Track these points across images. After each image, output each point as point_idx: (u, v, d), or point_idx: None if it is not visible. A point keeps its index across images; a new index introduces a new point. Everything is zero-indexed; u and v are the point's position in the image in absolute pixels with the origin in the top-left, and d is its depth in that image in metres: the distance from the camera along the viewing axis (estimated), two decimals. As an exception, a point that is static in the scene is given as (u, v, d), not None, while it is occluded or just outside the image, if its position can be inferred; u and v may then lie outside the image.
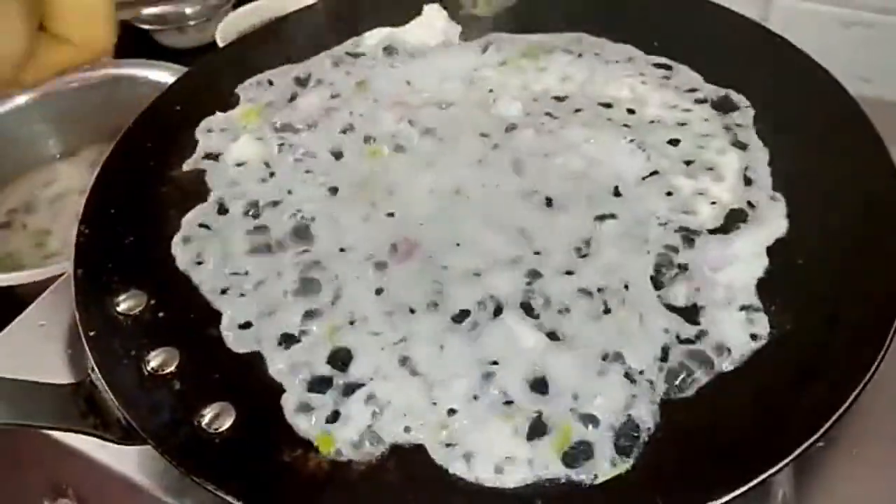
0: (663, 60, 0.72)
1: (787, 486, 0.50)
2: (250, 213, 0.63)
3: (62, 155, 0.98)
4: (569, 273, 0.56)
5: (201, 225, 0.62)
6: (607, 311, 0.53)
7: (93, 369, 0.51)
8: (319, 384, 0.51)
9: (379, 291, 0.56)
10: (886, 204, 0.56)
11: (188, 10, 1.05)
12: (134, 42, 1.04)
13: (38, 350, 0.61)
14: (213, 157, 0.68)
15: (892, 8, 0.75)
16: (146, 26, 1.05)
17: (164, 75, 0.89)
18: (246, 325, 0.54)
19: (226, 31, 0.90)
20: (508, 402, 0.49)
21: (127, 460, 0.54)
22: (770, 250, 0.56)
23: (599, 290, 0.55)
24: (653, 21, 0.74)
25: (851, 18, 0.75)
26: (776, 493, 0.50)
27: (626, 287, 0.55)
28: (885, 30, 0.76)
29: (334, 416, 0.49)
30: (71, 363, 0.59)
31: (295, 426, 0.49)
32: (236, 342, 0.54)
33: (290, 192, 0.64)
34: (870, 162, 0.59)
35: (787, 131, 0.64)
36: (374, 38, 0.77)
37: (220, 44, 0.92)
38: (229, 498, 0.45)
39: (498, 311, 0.54)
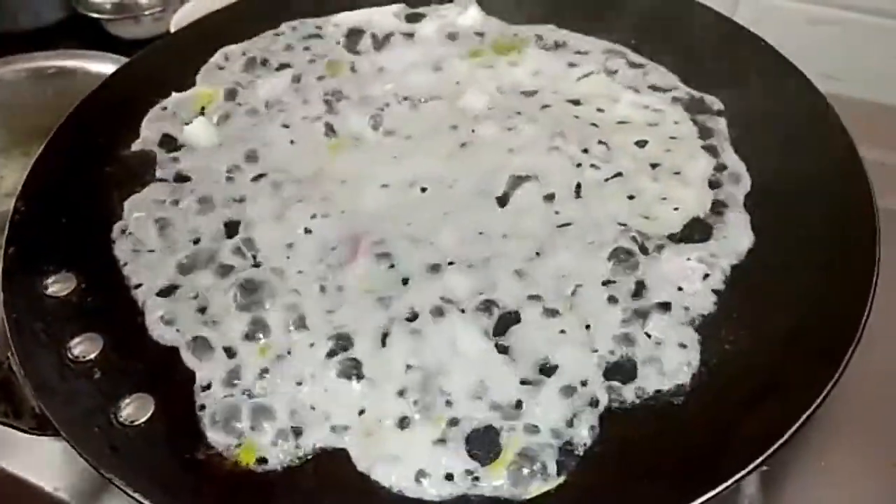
0: (638, 58, 0.69)
1: (756, 496, 0.49)
2: (195, 201, 0.60)
3: (1, 150, 0.90)
4: (519, 275, 0.54)
5: (141, 213, 0.59)
6: (555, 317, 0.51)
7: (12, 352, 0.49)
8: (241, 387, 0.48)
9: (322, 288, 0.53)
10: (855, 221, 0.53)
11: (143, 0, 1.02)
12: (86, 32, 0.98)
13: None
14: (164, 138, 0.65)
15: (857, 5, 0.72)
16: (99, 16, 1.00)
17: (111, 68, 0.79)
18: (171, 321, 0.52)
19: (182, 21, 0.86)
20: (440, 412, 0.47)
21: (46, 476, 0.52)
22: (732, 263, 0.54)
23: (549, 295, 0.52)
24: (630, 17, 0.71)
25: (818, 15, 0.73)
26: (743, 502, 0.48)
27: (577, 293, 0.52)
28: (851, 27, 0.74)
29: (254, 421, 0.47)
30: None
31: (211, 437, 0.46)
32: (161, 335, 0.51)
33: (238, 181, 0.62)
34: (842, 173, 0.56)
35: (760, 137, 0.61)
36: (340, 21, 0.74)
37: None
38: (137, 496, 0.42)
39: (443, 315, 0.51)
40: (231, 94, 0.69)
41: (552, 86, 0.68)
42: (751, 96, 0.64)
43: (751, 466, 0.41)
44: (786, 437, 0.42)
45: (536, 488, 0.43)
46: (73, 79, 0.87)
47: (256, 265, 0.55)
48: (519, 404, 0.47)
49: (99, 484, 0.51)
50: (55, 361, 0.49)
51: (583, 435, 0.45)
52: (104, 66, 0.86)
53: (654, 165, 0.61)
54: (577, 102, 0.66)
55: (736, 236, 0.55)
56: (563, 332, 0.50)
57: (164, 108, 0.68)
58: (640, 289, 0.52)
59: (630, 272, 0.53)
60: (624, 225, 0.56)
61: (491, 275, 0.53)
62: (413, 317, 0.51)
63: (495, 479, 0.43)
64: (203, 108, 0.68)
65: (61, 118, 0.64)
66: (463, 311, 0.51)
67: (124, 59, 0.83)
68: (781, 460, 0.47)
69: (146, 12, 1.01)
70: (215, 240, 0.57)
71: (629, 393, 0.47)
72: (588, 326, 0.50)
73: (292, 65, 0.71)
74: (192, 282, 0.54)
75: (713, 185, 0.59)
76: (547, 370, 0.48)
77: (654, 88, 0.67)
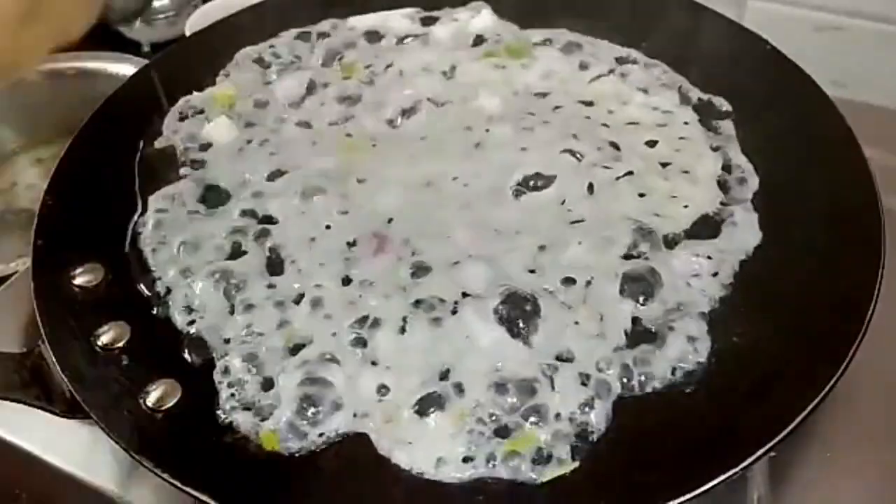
0: (649, 61, 0.71)
1: (763, 488, 0.49)
2: (218, 197, 0.62)
3: (20, 150, 0.93)
4: (534, 269, 0.55)
5: (166, 207, 0.61)
6: (568, 309, 0.52)
7: (42, 340, 0.50)
8: (264, 373, 0.50)
9: (345, 281, 0.55)
10: (860, 220, 0.54)
11: (157, 4, 1.01)
12: (99, 35, 1.00)
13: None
14: (186, 136, 0.67)
15: (863, 11, 0.74)
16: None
17: (130, 69, 0.82)
18: (196, 310, 0.54)
19: (196, 24, 0.88)
20: (459, 398, 0.48)
21: (76, 461, 0.54)
22: (740, 259, 0.55)
23: (562, 289, 0.54)
24: (640, 21, 0.73)
25: (824, 22, 0.75)
26: (751, 494, 0.49)
27: (590, 286, 0.54)
28: (856, 33, 0.75)
29: (278, 406, 0.48)
30: (25, 333, 0.59)
31: (236, 422, 0.48)
32: (186, 324, 0.53)
33: (260, 178, 0.63)
34: (849, 174, 0.57)
35: (768, 138, 0.63)
36: (355, 24, 0.76)
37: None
38: (166, 476, 0.44)
39: (459, 305, 0.53)
40: (250, 95, 0.71)
41: (564, 88, 0.70)
42: (758, 99, 0.65)
43: (758, 453, 0.43)
44: (792, 425, 0.43)
45: (551, 472, 0.45)
46: (93, 80, 0.89)
47: (279, 258, 0.57)
48: (535, 392, 0.48)
49: (126, 466, 0.52)
50: (84, 349, 0.51)
51: (597, 422, 0.47)
52: (123, 67, 0.88)
53: (664, 165, 0.62)
54: (588, 104, 0.68)
55: (744, 233, 0.57)
56: (577, 323, 0.51)
57: (186, 108, 0.69)
58: (651, 282, 0.53)
59: (641, 267, 0.54)
60: (635, 222, 0.57)
61: (506, 269, 0.55)
62: (431, 308, 0.53)
63: (512, 463, 0.45)
64: (223, 108, 0.69)
65: (86, 115, 0.66)
66: (480, 302, 0.53)
67: (143, 61, 0.85)
68: (788, 450, 0.49)
69: (160, 16, 1.02)
70: (237, 233, 0.59)
71: (641, 382, 0.49)
72: (601, 318, 0.51)
73: (309, 67, 0.73)
74: (215, 273, 0.56)
75: (721, 184, 0.61)
76: (562, 360, 0.50)
77: (664, 90, 0.68)
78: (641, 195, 0.60)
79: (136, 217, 0.60)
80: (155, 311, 0.54)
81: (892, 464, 0.52)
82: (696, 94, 0.68)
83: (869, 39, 0.78)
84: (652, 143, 0.64)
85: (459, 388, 0.48)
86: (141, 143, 0.67)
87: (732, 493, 0.48)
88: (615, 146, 0.63)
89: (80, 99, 0.81)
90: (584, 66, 0.71)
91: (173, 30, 1.01)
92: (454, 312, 0.52)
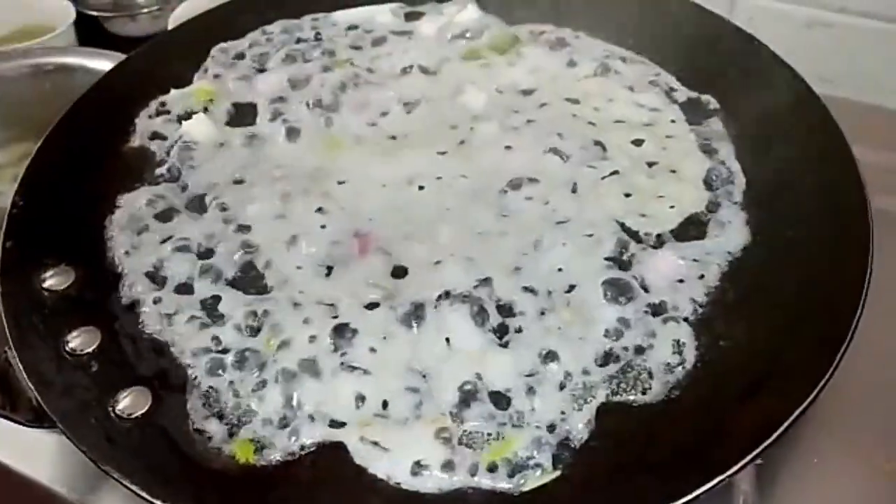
0: (636, 58, 0.70)
1: (749, 494, 0.49)
2: (193, 196, 0.60)
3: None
4: (516, 271, 0.54)
5: (139, 209, 0.59)
6: (551, 312, 0.51)
7: (10, 346, 0.49)
8: (238, 380, 0.48)
9: (324, 285, 0.54)
10: (848, 220, 0.53)
11: None
12: (84, 30, 0.96)
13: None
14: (161, 134, 0.65)
15: (851, 8, 0.73)
16: (95, 13, 0.99)
17: (109, 65, 0.77)
18: (168, 316, 0.52)
19: (180, 18, 0.86)
20: (438, 405, 0.47)
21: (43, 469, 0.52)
22: (728, 260, 0.54)
23: (545, 291, 0.52)
24: (628, 17, 0.71)
25: (813, 18, 0.74)
26: (737, 499, 0.48)
27: (573, 289, 0.52)
28: (845, 30, 0.75)
29: (252, 414, 0.47)
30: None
31: (208, 430, 0.46)
32: (158, 329, 0.52)
33: (238, 178, 0.62)
34: (837, 173, 0.56)
35: (756, 136, 0.62)
36: (339, 18, 0.75)
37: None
38: (134, 488, 0.42)
39: (440, 308, 0.51)
40: (229, 91, 0.69)
41: (550, 85, 0.69)
42: (746, 96, 0.64)
43: (745, 460, 0.41)
44: (779, 431, 0.42)
45: (533, 482, 0.44)
46: (72, 75, 0.87)
47: (256, 260, 0.55)
48: (516, 398, 0.47)
49: (96, 476, 0.51)
50: (52, 355, 0.49)
51: (579, 429, 0.46)
52: (103, 62, 0.85)
53: (650, 164, 0.61)
54: (574, 101, 0.67)
55: (731, 234, 0.56)
56: (559, 327, 0.50)
57: (163, 105, 0.68)
58: (635, 285, 0.52)
59: (626, 268, 0.53)
60: (620, 222, 0.56)
61: (488, 270, 0.54)
62: (411, 312, 0.51)
63: (492, 473, 0.44)
64: (201, 105, 0.67)
65: (59, 114, 0.64)
66: (461, 305, 0.51)
67: (123, 57, 0.83)
68: (775, 457, 0.49)
69: (144, 10, 1.01)
70: (214, 235, 0.57)
71: (625, 387, 0.48)
72: (584, 322, 0.50)
73: (291, 62, 0.71)
74: (190, 277, 0.54)
75: (709, 183, 0.60)
76: (543, 364, 0.48)
77: (651, 88, 0.67)
78: (627, 195, 0.59)
79: (108, 219, 0.59)
80: (126, 317, 0.53)
81: (879, 469, 0.51)
82: (683, 92, 0.67)
83: (857, 36, 0.77)
84: (638, 142, 0.63)
85: (440, 396, 0.47)
86: (115, 142, 0.65)
87: (718, 499, 0.47)
88: (601, 145, 0.62)
89: (57, 95, 0.79)
90: (570, 64, 0.70)
91: (157, 24, 1.00)
92: (435, 317, 0.51)
